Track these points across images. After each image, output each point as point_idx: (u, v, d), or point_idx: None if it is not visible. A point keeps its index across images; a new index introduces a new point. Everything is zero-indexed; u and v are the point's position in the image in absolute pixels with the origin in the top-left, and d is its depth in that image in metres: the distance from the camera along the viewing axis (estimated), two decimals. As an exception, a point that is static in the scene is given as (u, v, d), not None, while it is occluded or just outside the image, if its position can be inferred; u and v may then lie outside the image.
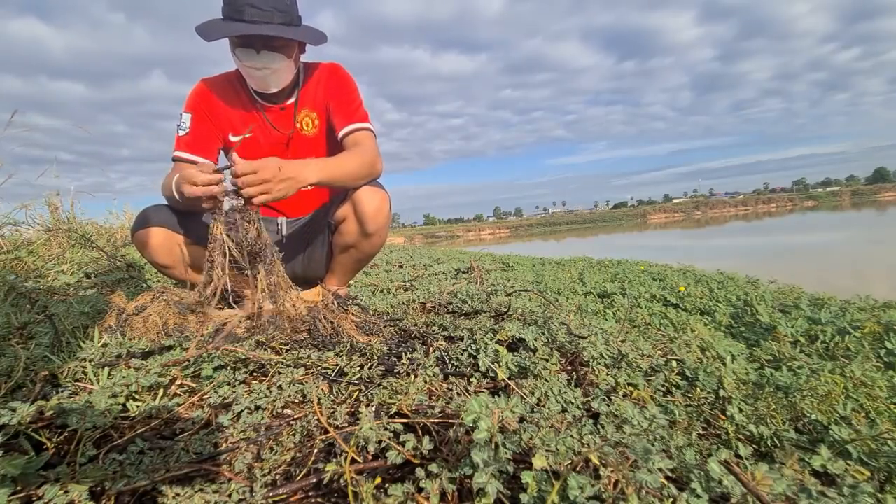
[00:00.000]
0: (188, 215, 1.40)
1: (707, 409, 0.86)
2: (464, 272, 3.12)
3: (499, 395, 0.70)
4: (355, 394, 0.83)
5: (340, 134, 1.49)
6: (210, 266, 1.14)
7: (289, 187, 1.17)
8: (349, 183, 1.41)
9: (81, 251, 2.65)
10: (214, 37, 1.27)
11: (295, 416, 0.75)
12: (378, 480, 0.55)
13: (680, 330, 1.71)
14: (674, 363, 1.01)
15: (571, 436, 0.63)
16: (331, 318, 1.15)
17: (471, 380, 0.88)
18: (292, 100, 1.52)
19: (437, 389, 0.84)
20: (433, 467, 0.54)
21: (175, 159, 1.44)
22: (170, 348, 0.99)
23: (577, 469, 0.52)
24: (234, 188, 1.11)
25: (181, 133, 1.44)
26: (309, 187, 1.25)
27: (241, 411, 0.75)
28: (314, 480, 0.59)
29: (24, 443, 0.62)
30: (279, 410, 0.77)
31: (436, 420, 0.69)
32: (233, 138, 1.53)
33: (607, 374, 0.94)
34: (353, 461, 0.60)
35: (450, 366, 0.96)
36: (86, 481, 0.55)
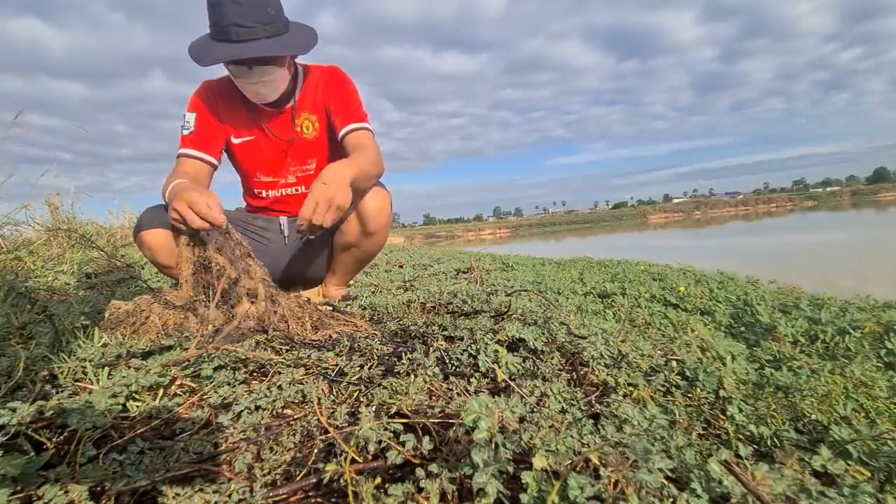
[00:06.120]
0: None
1: (707, 409, 0.86)
2: (464, 272, 3.12)
3: (499, 395, 0.70)
4: (355, 394, 0.83)
5: (340, 134, 1.49)
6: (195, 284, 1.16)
7: (346, 192, 1.21)
8: (368, 181, 1.43)
9: (81, 251, 2.64)
10: (205, 62, 1.27)
11: (295, 416, 0.75)
12: (378, 480, 0.55)
13: (680, 330, 1.71)
14: (674, 363, 1.01)
15: (571, 436, 0.63)
16: (284, 315, 1.15)
17: (471, 380, 0.88)
18: (290, 104, 1.52)
19: (437, 389, 0.84)
20: (433, 467, 0.54)
21: (181, 156, 1.44)
22: (170, 348, 0.99)
23: (577, 469, 0.52)
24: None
25: (186, 132, 1.46)
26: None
27: (241, 411, 0.75)
28: (314, 480, 0.59)
29: (24, 443, 0.62)
30: (279, 410, 0.77)
31: (436, 420, 0.69)
32: (234, 140, 1.54)
33: (607, 374, 0.94)
34: (353, 461, 0.60)
35: (450, 366, 0.96)
36: (86, 481, 0.55)
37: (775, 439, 0.79)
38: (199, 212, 1.10)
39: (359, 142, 1.47)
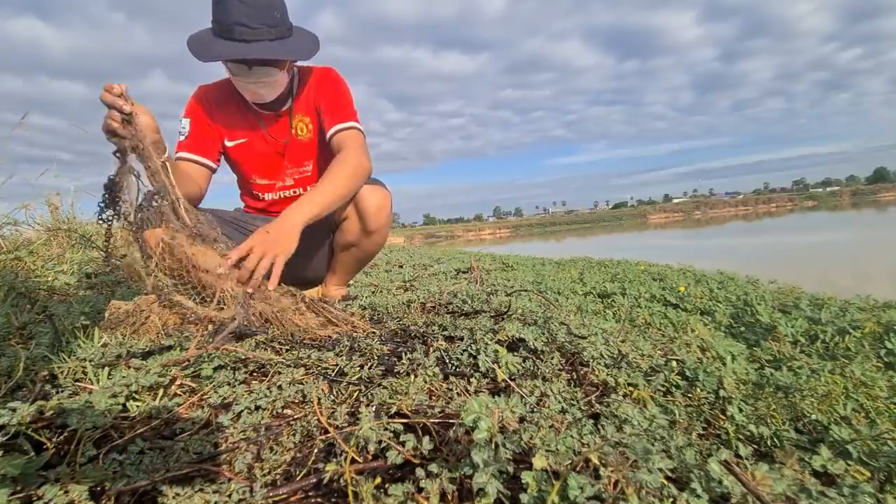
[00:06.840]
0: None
1: (707, 409, 0.86)
2: (464, 272, 3.12)
3: (499, 395, 0.71)
4: (355, 394, 0.83)
5: (328, 135, 1.49)
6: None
7: (288, 241, 1.17)
8: (342, 202, 1.40)
9: (81, 251, 2.64)
10: (206, 58, 1.26)
11: (295, 416, 0.75)
12: (378, 480, 0.55)
13: (680, 330, 1.71)
14: (674, 363, 1.01)
15: (571, 436, 0.63)
16: (275, 313, 1.13)
17: (471, 380, 0.88)
18: (287, 106, 1.52)
19: (437, 389, 0.84)
20: (433, 467, 0.54)
21: (176, 160, 1.45)
22: (170, 348, 0.99)
23: (577, 469, 0.52)
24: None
25: (181, 137, 1.47)
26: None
27: (241, 411, 0.75)
28: (314, 480, 0.59)
29: (24, 443, 0.62)
30: (279, 410, 0.77)
31: (436, 420, 0.69)
32: (228, 143, 1.54)
33: (607, 374, 0.94)
34: (353, 461, 0.60)
35: (450, 366, 0.96)
36: (86, 481, 0.55)
37: (775, 439, 0.79)
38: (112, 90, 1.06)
39: (342, 144, 1.45)
